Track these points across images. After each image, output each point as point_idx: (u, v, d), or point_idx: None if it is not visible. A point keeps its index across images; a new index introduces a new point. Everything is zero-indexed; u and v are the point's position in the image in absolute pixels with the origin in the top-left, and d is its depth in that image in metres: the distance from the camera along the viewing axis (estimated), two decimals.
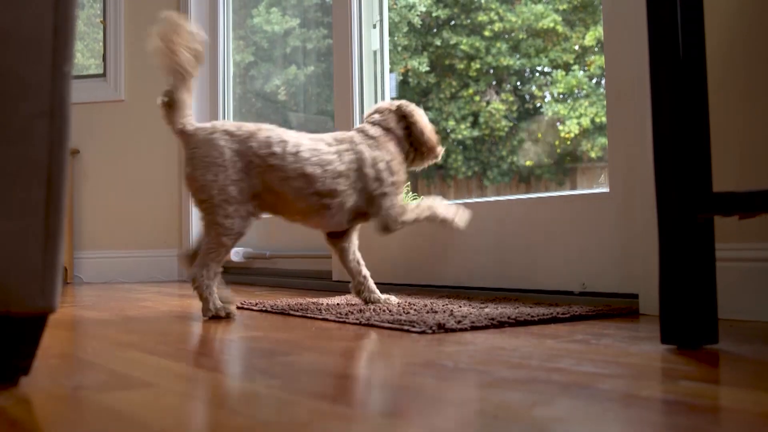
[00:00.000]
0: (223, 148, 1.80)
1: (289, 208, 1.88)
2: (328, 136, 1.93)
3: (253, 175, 1.81)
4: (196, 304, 2.30)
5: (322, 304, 2.01)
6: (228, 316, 1.80)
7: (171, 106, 1.83)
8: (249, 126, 1.86)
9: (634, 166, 1.79)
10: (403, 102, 2.05)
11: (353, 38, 2.82)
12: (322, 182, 1.83)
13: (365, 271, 1.99)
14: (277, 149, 1.82)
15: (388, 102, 2.07)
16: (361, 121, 2.16)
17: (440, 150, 2.02)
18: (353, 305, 1.93)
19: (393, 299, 1.98)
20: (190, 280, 1.82)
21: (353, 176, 1.88)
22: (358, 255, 2.01)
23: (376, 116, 2.02)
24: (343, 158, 1.87)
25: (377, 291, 1.99)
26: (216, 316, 1.79)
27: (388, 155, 1.92)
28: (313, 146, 1.86)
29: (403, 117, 2.01)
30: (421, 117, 2.03)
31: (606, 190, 1.93)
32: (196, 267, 1.81)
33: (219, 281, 1.86)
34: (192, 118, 1.87)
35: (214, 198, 1.78)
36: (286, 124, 3.90)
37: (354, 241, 2.02)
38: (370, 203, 1.90)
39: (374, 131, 1.96)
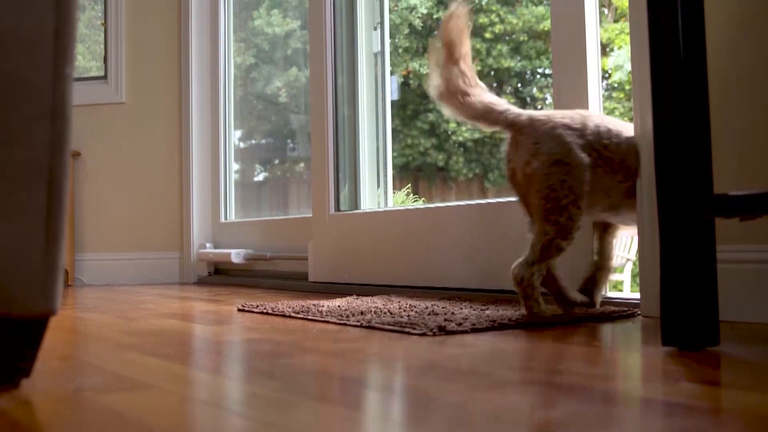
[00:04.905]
0: (570, 144, 1.60)
1: (601, 202, 1.67)
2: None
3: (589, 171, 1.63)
4: (198, 306, 2.30)
5: (323, 306, 2.00)
6: (554, 318, 1.58)
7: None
8: (575, 115, 1.67)
9: None
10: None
11: (327, 40, 2.81)
12: (627, 169, 1.65)
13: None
14: (606, 139, 1.63)
15: None
16: None
17: None
18: (354, 307, 1.92)
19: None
20: (514, 280, 1.60)
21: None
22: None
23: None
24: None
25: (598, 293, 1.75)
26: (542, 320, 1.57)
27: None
28: (622, 130, 1.67)
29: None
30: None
31: None
32: (521, 265, 1.60)
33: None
34: (508, 106, 1.69)
35: (561, 199, 1.58)
36: (287, 126, 3.91)
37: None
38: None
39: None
